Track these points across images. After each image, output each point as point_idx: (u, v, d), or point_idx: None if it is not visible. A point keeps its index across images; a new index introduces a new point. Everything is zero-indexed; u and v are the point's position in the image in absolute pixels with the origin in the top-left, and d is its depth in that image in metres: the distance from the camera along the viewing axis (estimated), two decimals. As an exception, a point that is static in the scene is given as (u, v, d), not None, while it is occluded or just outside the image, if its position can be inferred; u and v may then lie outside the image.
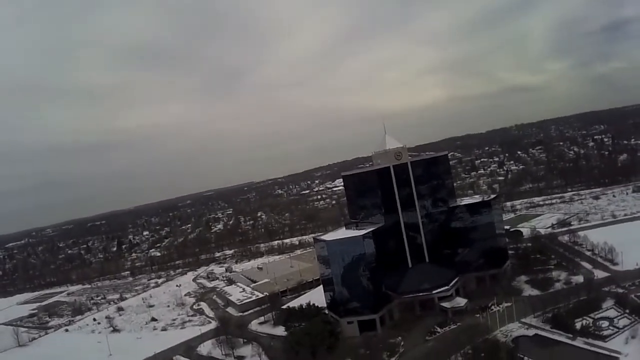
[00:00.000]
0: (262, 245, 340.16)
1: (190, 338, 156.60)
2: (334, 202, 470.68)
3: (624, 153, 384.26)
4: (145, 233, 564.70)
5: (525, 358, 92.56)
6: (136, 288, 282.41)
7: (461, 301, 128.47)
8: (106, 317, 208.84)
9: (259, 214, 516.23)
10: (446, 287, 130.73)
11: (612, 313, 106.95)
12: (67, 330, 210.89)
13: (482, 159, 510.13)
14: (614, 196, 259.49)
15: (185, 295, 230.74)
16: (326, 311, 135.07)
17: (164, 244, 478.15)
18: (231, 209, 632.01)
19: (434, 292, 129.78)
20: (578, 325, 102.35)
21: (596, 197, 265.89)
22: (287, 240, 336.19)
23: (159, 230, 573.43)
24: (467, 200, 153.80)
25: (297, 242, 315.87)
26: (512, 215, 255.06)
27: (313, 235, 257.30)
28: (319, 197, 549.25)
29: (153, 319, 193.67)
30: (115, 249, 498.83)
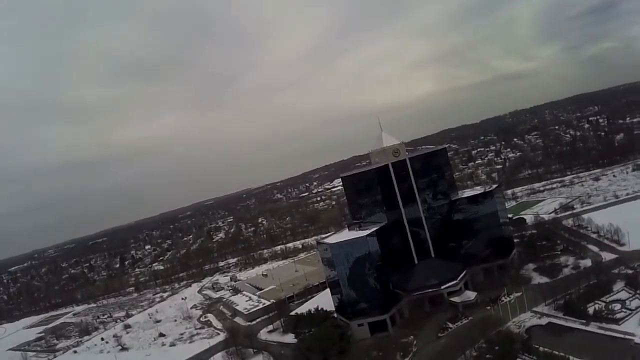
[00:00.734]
0: (265, 251, 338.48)
1: (199, 352, 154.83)
2: (334, 202, 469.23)
3: (620, 132, 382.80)
4: (147, 247, 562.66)
5: (540, 348, 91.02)
6: (142, 304, 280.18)
7: (471, 295, 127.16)
8: (114, 336, 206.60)
9: (259, 220, 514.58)
10: (454, 282, 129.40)
11: (623, 295, 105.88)
12: (75, 351, 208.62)
13: (478, 149, 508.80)
14: (614, 176, 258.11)
15: (192, 307, 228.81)
16: (335, 315, 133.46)
17: (166, 257, 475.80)
18: (232, 217, 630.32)
19: (442, 287, 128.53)
20: (590, 310, 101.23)
21: (596, 179, 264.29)
22: (290, 245, 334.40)
23: (161, 243, 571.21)
24: (468, 192, 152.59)
25: (300, 246, 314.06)
26: (513, 203, 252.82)
27: (316, 237, 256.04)
28: (319, 198, 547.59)
29: (161, 335, 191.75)
30: (118, 265, 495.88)
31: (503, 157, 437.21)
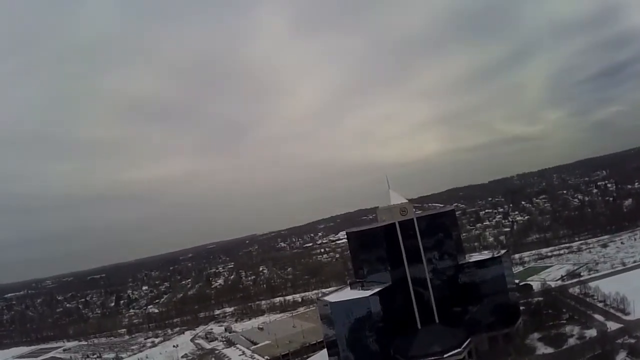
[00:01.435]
0: (263, 302, 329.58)
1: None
2: (337, 255, 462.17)
3: (629, 198, 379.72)
4: (144, 288, 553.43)
5: None
6: (132, 347, 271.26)
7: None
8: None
9: (261, 269, 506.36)
10: (458, 350, 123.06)
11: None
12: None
13: (486, 210, 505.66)
14: (622, 243, 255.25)
15: (182, 357, 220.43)
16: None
17: (162, 300, 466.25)
18: (233, 263, 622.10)
19: (445, 355, 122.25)
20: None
21: (604, 245, 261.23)
22: (289, 297, 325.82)
23: (159, 285, 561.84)
24: (476, 257, 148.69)
25: (299, 299, 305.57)
26: (520, 268, 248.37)
27: (316, 291, 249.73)
28: (323, 250, 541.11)
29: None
30: (113, 304, 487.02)
31: (511, 219, 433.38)
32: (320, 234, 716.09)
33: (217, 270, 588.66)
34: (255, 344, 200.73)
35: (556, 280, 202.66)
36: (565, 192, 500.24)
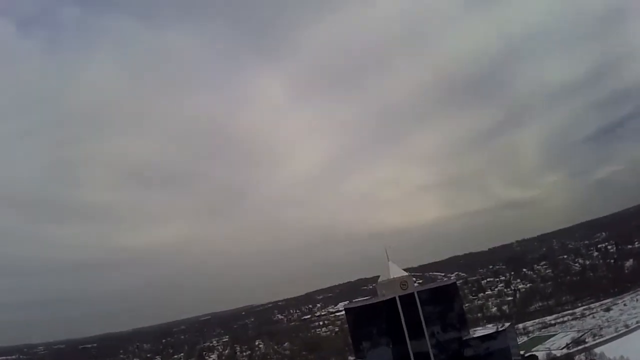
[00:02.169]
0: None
1: None
2: (337, 329, 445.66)
3: (630, 258, 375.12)
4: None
5: None
6: None
7: None
8: None
9: (257, 343, 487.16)
10: None
11: None
12: None
13: (488, 279, 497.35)
14: (625, 305, 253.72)
15: None
16: None
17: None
18: (227, 337, 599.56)
19: None
20: None
21: (607, 309, 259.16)
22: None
23: (150, 359, 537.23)
24: (480, 331, 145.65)
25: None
26: (525, 338, 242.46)
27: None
28: (321, 323, 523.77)
29: None
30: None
31: (513, 287, 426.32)
32: (319, 305, 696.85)
33: (211, 344, 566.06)
34: None
35: (561, 349, 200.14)
36: (566, 256, 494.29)
